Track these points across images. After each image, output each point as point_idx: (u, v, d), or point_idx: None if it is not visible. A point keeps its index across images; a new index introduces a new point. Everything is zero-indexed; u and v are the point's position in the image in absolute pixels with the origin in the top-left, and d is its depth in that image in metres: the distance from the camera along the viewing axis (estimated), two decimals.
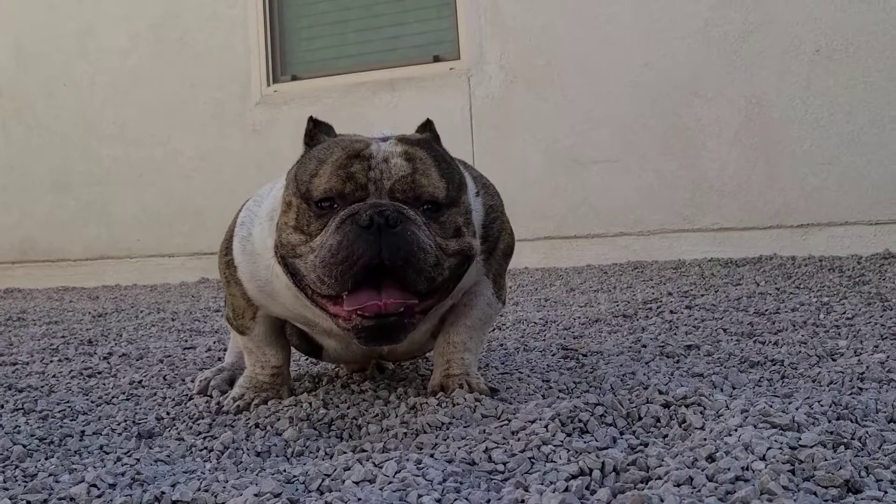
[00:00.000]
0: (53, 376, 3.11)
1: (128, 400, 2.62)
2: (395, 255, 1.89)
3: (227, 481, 1.58)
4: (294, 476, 1.60)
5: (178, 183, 7.97)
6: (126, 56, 8.14)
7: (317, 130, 2.17)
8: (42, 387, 2.90)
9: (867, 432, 1.66)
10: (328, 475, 1.58)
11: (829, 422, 1.75)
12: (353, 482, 1.55)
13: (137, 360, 3.44)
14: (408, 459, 1.62)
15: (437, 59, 7.20)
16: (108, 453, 2.00)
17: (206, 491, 1.52)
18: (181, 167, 7.95)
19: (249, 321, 2.36)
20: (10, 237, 8.60)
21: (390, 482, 1.52)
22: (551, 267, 6.65)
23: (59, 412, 2.43)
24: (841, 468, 1.44)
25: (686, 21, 6.47)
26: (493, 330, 3.72)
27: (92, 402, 2.61)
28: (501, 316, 4.09)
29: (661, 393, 1.99)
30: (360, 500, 1.43)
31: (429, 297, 1.99)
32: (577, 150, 6.77)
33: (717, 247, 6.39)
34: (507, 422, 1.87)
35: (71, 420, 2.35)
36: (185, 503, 1.48)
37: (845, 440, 1.60)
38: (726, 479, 1.41)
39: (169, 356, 3.47)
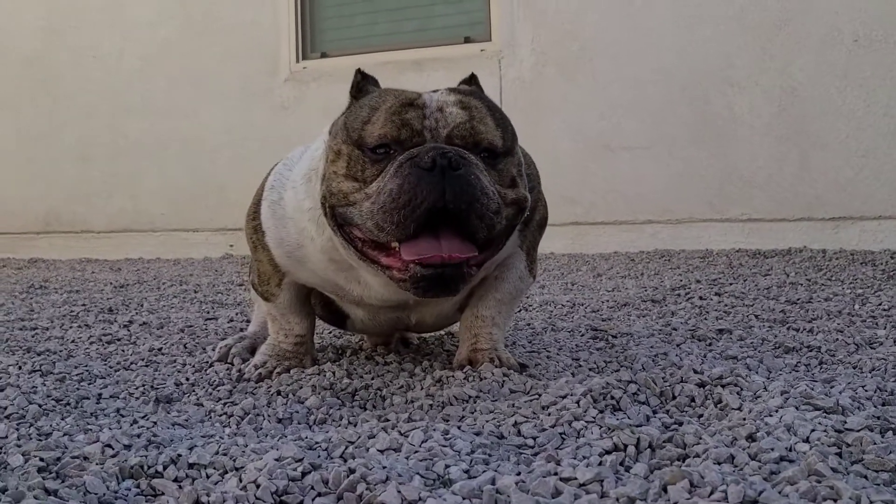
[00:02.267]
0: (72, 341, 3.07)
1: (147, 366, 2.57)
2: (459, 198, 1.81)
3: (247, 445, 1.52)
4: (316, 442, 1.54)
5: (203, 157, 7.92)
6: (155, 29, 8.09)
7: (365, 82, 2.11)
8: (60, 351, 2.86)
9: None
10: (352, 442, 1.53)
11: (875, 407, 1.68)
12: (378, 450, 1.49)
13: (158, 329, 3.39)
14: (434, 429, 1.56)
15: (467, 41, 7.12)
16: (124, 416, 1.95)
17: (225, 455, 1.46)
18: (207, 142, 7.90)
19: (275, 287, 2.30)
20: (35, 208, 8.59)
21: (416, 451, 1.47)
22: (578, 252, 6.57)
23: (76, 375, 2.39)
24: (891, 453, 1.38)
25: (721, 7, 6.36)
26: (519, 311, 3.66)
27: (110, 367, 2.57)
28: (527, 297, 4.03)
29: (695, 372, 1.92)
30: (384, 467, 1.37)
31: (485, 249, 1.92)
32: (606, 137, 6.68)
33: (746, 237, 6.29)
34: (536, 396, 1.81)
35: (88, 383, 2.31)
36: (201, 466, 1.42)
37: (894, 426, 1.53)
38: (770, 458, 1.34)
39: (190, 326, 3.43)
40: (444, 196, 1.80)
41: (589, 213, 6.74)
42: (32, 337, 3.20)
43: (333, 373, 2.20)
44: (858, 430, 1.47)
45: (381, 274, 1.94)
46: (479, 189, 1.84)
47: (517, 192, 1.99)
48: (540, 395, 1.81)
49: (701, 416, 1.76)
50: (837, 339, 2.59)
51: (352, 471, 1.33)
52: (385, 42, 7.39)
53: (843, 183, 6.09)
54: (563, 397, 1.79)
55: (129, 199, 8.24)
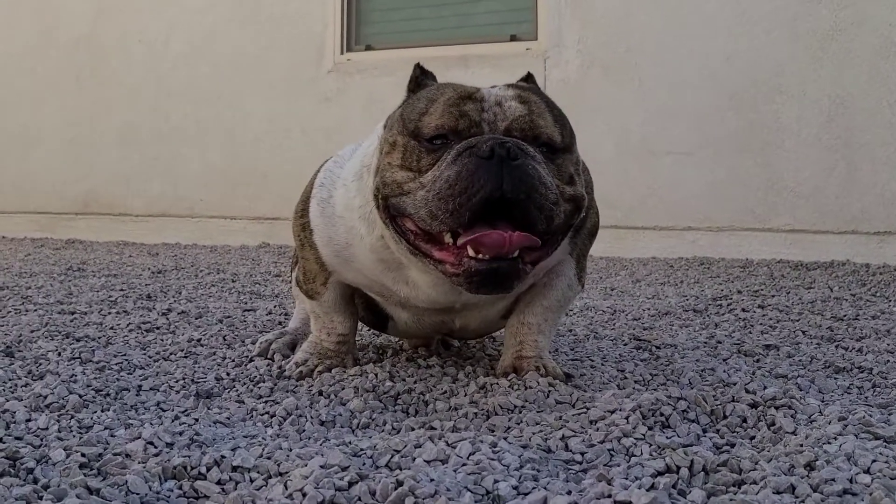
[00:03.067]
0: (111, 328, 3.06)
1: (186, 357, 2.55)
2: (518, 187, 1.77)
3: (291, 449, 1.50)
4: (361, 449, 1.51)
5: (244, 145, 7.92)
6: (203, 15, 8.10)
7: (423, 77, 2.09)
8: (99, 338, 2.85)
9: None
10: (398, 451, 1.50)
11: None
12: (425, 461, 1.46)
13: (196, 319, 3.38)
14: (482, 441, 1.53)
15: (513, 39, 7.07)
16: (165, 411, 1.93)
17: (269, 458, 1.44)
18: (249, 130, 7.90)
19: (320, 286, 2.27)
20: (75, 189, 8.63)
21: (464, 464, 1.43)
22: (616, 256, 6.51)
23: (115, 364, 2.37)
24: None
25: (773, 15, 6.28)
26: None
27: (149, 357, 2.55)
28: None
29: (748, 392, 1.87)
30: (432, 480, 1.34)
31: (543, 245, 1.87)
32: (649, 141, 6.62)
33: (788, 248, 6.21)
34: (584, 410, 1.77)
35: (128, 374, 2.29)
36: (245, 469, 1.40)
37: None
38: (832, 490, 1.30)
39: (228, 317, 3.41)
40: (503, 186, 1.76)
41: (628, 217, 6.67)
42: (71, 322, 3.19)
43: (376, 374, 2.17)
44: None
45: (433, 270, 1.89)
46: (538, 179, 1.80)
47: (575, 189, 1.94)
48: (588, 409, 1.76)
49: (753, 437, 1.72)
50: (889, 361, 2.53)
51: (400, 483, 1.30)
52: (430, 37, 7.36)
53: (889, 197, 5.99)
54: (612, 412, 1.75)
55: (169, 184, 8.26)
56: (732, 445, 1.65)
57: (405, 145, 1.92)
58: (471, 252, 1.78)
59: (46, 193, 8.71)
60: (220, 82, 8.04)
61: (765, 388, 1.92)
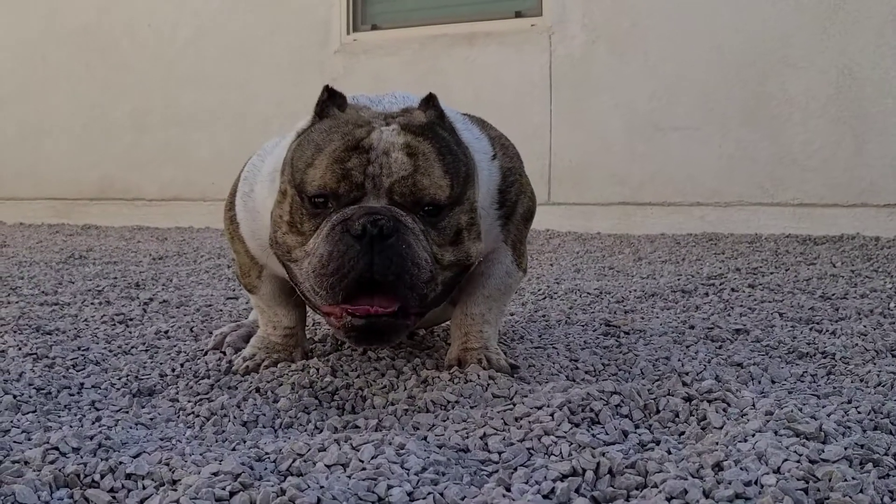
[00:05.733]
0: (85, 321, 3.06)
1: (146, 351, 2.55)
2: (387, 269, 1.80)
3: (192, 455, 1.48)
4: (267, 454, 1.49)
5: (254, 128, 7.90)
6: None
7: (329, 102, 2.02)
8: (69, 330, 2.85)
9: None
10: (301, 455, 1.47)
11: (865, 432, 1.58)
12: (325, 465, 1.43)
13: (176, 308, 3.38)
14: (390, 443, 1.50)
15: (518, 15, 6.99)
16: (99, 409, 1.92)
17: (167, 465, 1.41)
18: (258, 113, 7.88)
19: (256, 280, 2.26)
20: (90, 174, 8.66)
21: (363, 468, 1.40)
22: (623, 234, 6.43)
23: (70, 360, 2.37)
24: (861, 491, 1.29)
25: None
26: (544, 298, 3.58)
27: (110, 351, 2.55)
28: (555, 283, 3.94)
29: (684, 385, 1.83)
30: (322, 487, 1.31)
31: (419, 307, 1.89)
32: (656, 116, 6.53)
33: (797, 223, 6.11)
34: (511, 406, 1.74)
35: (78, 370, 2.29)
36: (139, 476, 1.38)
37: (875, 456, 1.43)
38: (723, 496, 1.26)
39: (209, 305, 3.41)
40: (372, 267, 1.79)
41: (637, 194, 6.60)
42: (49, 314, 3.20)
43: (318, 369, 2.14)
44: (834, 462, 1.38)
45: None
46: (410, 259, 1.81)
47: (459, 252, 1.94)
48: (515, 406, 1.73)
49: (682, 433, 1.68)
50: (857, 345, 2.46)
51: (283, 491, 1.27)
52: (435, 15, 7.29)
53: None
54: (539, 408, 1.71)
55: (181, 169, 8.27)
56: (658, 443, 1.62)
57: (292, 200, 1.93)
58: (349, 310, 1.83)
59: (63, 181, 8.75)
60: (227, 66, 8.02)
61: (702, 380, 1.88)
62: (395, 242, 1.79)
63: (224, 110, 8.05)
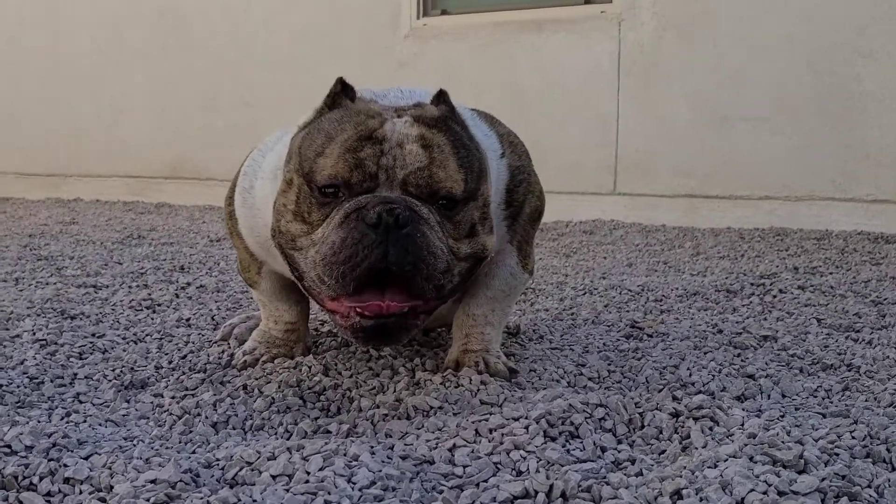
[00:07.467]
0: (113, 306, 3.07)
1: (158, 340, 2.53)
2: (403, 259, 1.72)
3: (140, 458, 1.44)
4: (217, 460, 1.45)
5: None
6: None
7: (341, 95, 1.95)
8: (93, 315, 2.86)
9: (889, 480, 1.39)
10: (250, 463, 1.43)
11: (854, 459, 1.48)
12: (271, 475, 1.38)
13: (213, 293, 3.37)
14: (344, 453, 1.45)
15: (588, 2, 6.85)
16: (82, 402, 1.91)
17: (109, 469, 1.38)
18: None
19: (255, 275, 2.22)
20: (164, 154, 8.77)
21: (306, 481, 1.35)
22: (688, 226, 6.28)
23: (77, 348, 2.36)
24: None
25: None
26: (584, 293, 3.49)
27: (123, 338, 2.54)
28: (601, 278, 3.85)
29: (674, 399, 1.74)
30: (254, 501, 1.26)
31: (435, 299, 1.82)
32: (725, 106, 6.35)
33: (870, 220, 5.89)
34: (486, 417, 1.67)
35: (79, 359, 2.28)
36: (78, 481, 1.35)
37: (854, 489, 1.34)
38: None
39: (245, 291, 3.40)
40: (387, 256, 1.71)
41: (703, 186, 6.43)
42: (82, 297, 3.21)
43: (310, 367, 2.10)
44: (805, 494, 1.29)
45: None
46: (427, 249, 1.74)
47: (474, 244, 1.87)
48: (489, 417, 1.66)
49: (663, 451, 1.60)
50: (888, 357, 2.34)
51: None
52: (505, 1, 7.19)
53: None
54: (516, 419, 1.65)
55: (249, 150, 8.30)
56: (633, 461, 1.54)
57: (300, 189, 1.85)
58: (357, 309, 1.76)
59: (138, 159, 8.86)
60: (297, 49, 8.03)
61: (694, 395, 1.79)
62: (412, 232, 1.73)
63: (293, 93, 8.05)
